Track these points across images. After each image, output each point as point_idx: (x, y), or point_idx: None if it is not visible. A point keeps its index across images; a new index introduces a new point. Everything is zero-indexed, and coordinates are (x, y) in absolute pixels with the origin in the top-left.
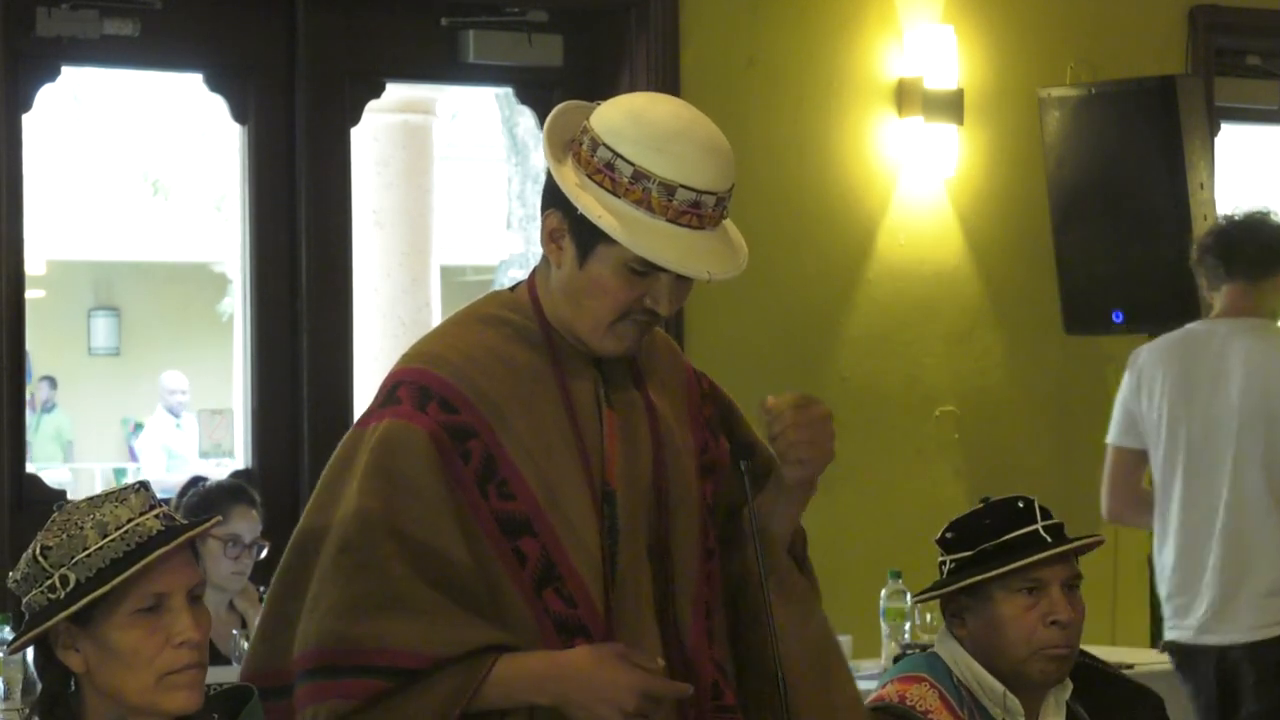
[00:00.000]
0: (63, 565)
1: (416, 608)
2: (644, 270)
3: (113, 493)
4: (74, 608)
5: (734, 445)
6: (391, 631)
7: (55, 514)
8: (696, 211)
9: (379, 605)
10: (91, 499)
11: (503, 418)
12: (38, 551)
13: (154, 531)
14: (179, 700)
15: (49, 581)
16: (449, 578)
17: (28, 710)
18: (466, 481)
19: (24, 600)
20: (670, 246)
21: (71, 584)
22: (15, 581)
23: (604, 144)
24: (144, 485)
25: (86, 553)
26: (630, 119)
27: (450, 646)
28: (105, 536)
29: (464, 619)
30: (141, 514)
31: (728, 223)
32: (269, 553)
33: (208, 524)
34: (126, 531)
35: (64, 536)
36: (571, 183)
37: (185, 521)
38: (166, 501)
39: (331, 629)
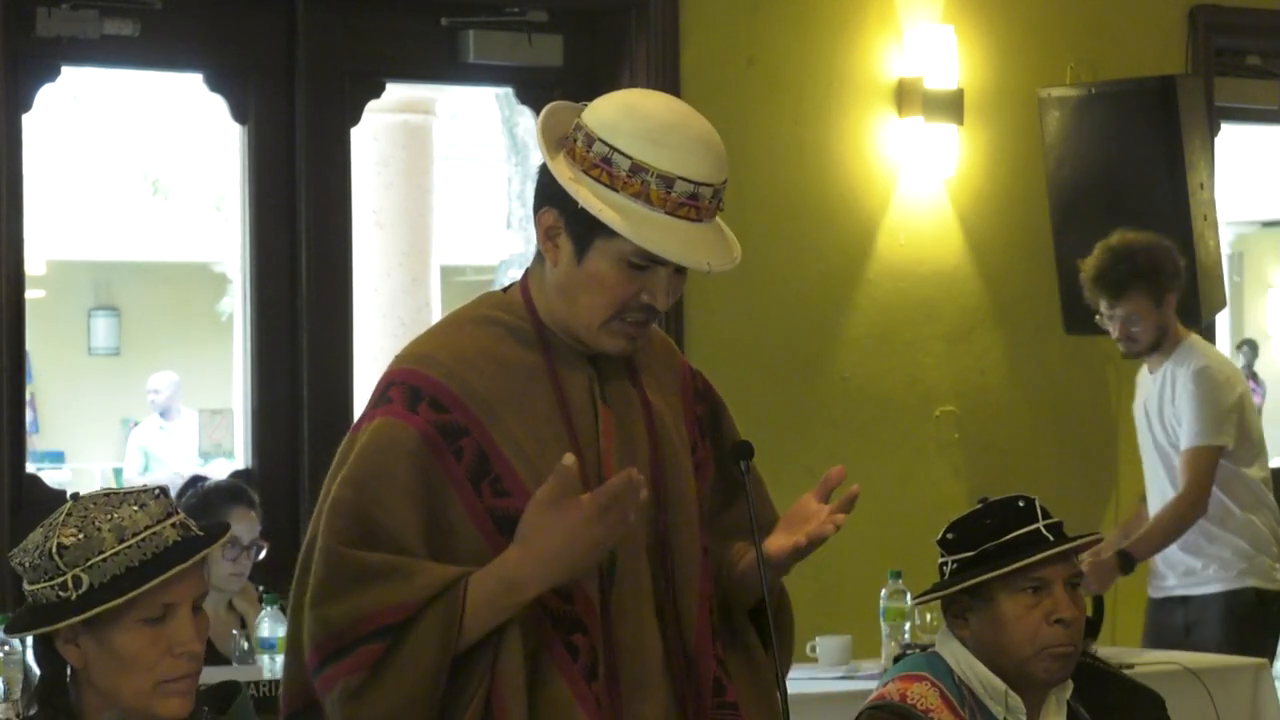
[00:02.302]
0: (77, 566)
1: (382, 573)
2: (643, 264)
3: (131, 494)
4: (86, 614)
5: (732, 446)
6: (365, 600)
7: (69, 504)
8: (694, 204)
9: (349, 582)
10: (108, 496)
11: (495, 415)
12: (54, 548)
13: (170, 542)
14: (172, 706)
15: (61, 579)
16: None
17: (24, 703)
18: (460, 479)
19: (28, 587)
20: (670, 238)
21: (85, 586)
22: (23, 567)
23: (599, 139)
24: (164, 491)
25: (102, 556)
26: (625, 113)
27: (422, 590)
28: (123, 542)
29: (425, 566)
30: (159, 522)
31: (719, 219)
32: (267, 553)
33: (222, 539)
34: (144, 539)
35: (80, 536)
36: (567, 178)
37: (201, 533)
38: None
39: (319, 620)
